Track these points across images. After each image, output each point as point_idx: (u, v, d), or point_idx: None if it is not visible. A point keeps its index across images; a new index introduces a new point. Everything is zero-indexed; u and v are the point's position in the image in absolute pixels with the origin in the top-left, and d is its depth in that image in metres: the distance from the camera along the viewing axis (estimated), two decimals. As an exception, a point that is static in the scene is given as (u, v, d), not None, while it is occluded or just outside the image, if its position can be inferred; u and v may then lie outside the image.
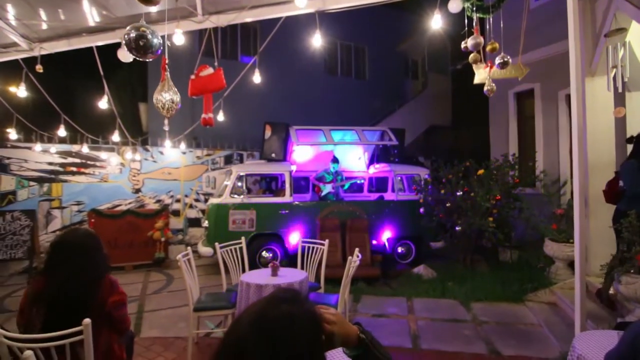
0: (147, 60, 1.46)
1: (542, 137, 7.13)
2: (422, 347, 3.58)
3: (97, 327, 1.85)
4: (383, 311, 4.49)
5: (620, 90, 4.13)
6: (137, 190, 7.59)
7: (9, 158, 6.77)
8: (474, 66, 3.08)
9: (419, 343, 3.65)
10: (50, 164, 7.03)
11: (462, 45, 2.70)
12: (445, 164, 6.33)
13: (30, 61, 4.07)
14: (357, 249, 3.63)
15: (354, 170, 7.75)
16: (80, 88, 7.42)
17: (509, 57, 2.68)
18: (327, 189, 6.73)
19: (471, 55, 2.83)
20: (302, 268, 4.12)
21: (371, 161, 7.70)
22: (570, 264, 4.91)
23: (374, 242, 6.33)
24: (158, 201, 7.69)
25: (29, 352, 1.52)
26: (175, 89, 1.81)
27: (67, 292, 1.88)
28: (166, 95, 1.75)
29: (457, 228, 5.87)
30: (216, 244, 4.04)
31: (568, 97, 6.40)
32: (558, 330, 3.77)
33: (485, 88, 2.95)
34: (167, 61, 1.84)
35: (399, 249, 6.69)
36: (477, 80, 3.22)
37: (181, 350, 3.48)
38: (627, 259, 3.04)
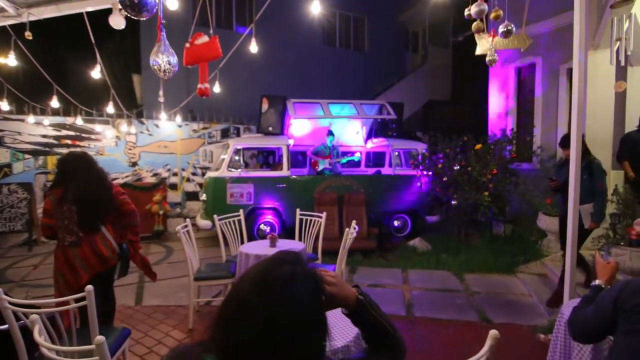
0: (142, 19, 1.41)
1: (541, 112, 7.08)
2: (416, 314, 3.70)
3: (113, 217, 2.60)
4: (378, 281, 4.61)
5: (622, 64, 4.08)
6: (134, 164, 7.55)
7: (2, 130, 6.66)
8: (476, 36, 3.01)
9: (412, 311, 3.78)
10: (45, 136, 6.94)
11: (466, 12, 2.63)
12: (443, 139, 6.31)
13: (19, 29, 3.93)
14: (354, 222, 3.68)
15: (351, 144, 7.71)
16: (72, 58, 7.22)
17: (512, 25, 2.62)
18: (324, 163, 6.72)
19: (474, 24, 2.76)
20: (300, 240, 4.18)
21: (369, 135, 7.66)
22: (562, 237, 5.02)
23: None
24: (155, 174, 7.68)
25: (34, 316, 1.56)
26: (172, 50, 1.76)
27: (90, 192, 2.45)
28: (163, 57, 1.71)
29: (453, 202, 5.94)
30: (215, 216, 4.08)
31: (569, 71, 6.31)
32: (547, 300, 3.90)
33: (488, 58, 2.89)
34: (162, 21, 1.78)
35: (395, 223, 6.78)
36: (479, 50, 3.16)
37: (182, 318, 3.59)
38: (618, 230, 3.11)
